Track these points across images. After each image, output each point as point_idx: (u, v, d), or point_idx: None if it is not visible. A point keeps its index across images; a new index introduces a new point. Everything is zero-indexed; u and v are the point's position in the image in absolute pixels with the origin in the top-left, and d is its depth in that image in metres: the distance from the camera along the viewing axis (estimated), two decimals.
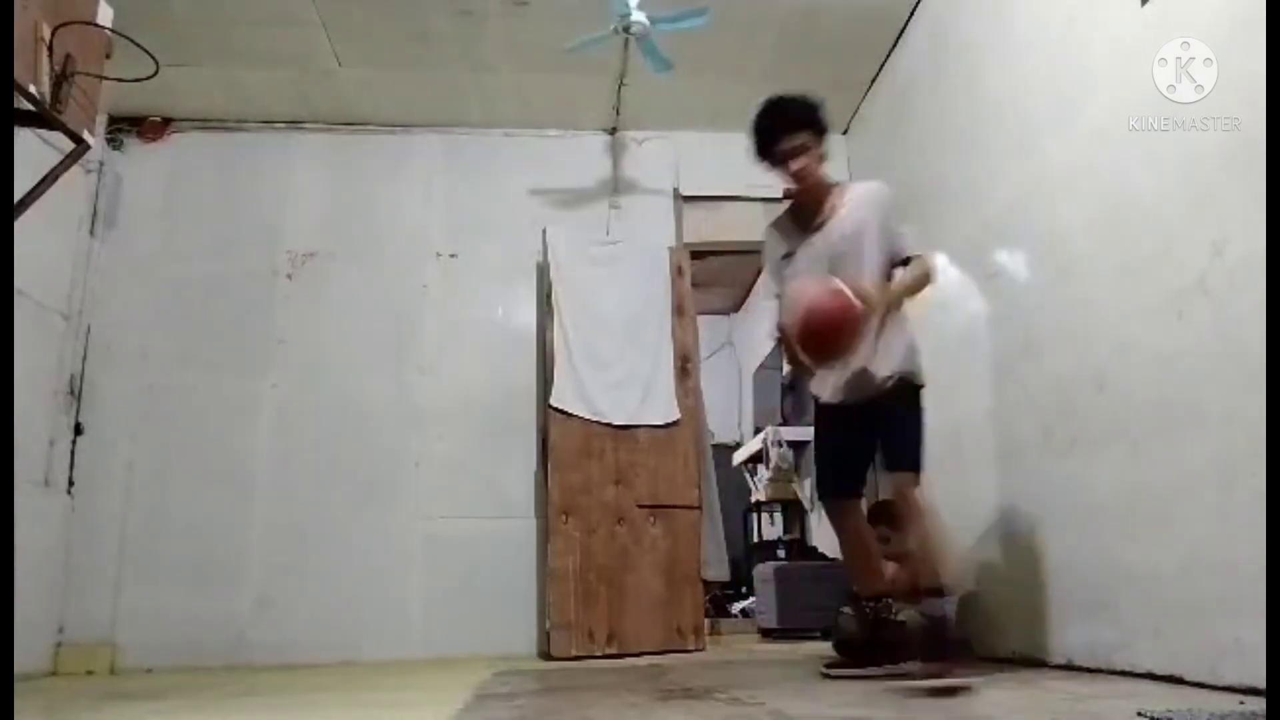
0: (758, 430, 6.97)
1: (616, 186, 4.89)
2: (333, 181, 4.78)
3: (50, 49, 1.95)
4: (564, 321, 4.37)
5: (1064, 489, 2.73)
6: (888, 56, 4.27)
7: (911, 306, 2.76)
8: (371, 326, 4.56)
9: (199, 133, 4.75)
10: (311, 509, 4.27)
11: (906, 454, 2.62)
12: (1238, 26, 2.04)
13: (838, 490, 2.89)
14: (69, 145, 2.13)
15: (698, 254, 4.89)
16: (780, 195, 4.80)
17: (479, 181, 4.81)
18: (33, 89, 1.90)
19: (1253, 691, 1.87)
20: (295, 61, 4.33)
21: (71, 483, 4.16)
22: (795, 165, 2.74)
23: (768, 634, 4.98)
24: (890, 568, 3.71)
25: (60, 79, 1.99)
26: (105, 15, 2.18)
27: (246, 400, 4.39)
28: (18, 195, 2.02)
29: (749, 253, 6.24)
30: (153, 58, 2.17)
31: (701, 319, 5.29)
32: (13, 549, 2.31)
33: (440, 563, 4.27)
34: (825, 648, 3.77)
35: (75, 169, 2.33)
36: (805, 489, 6.39)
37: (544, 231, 4.58)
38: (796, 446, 6.39)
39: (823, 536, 6.02)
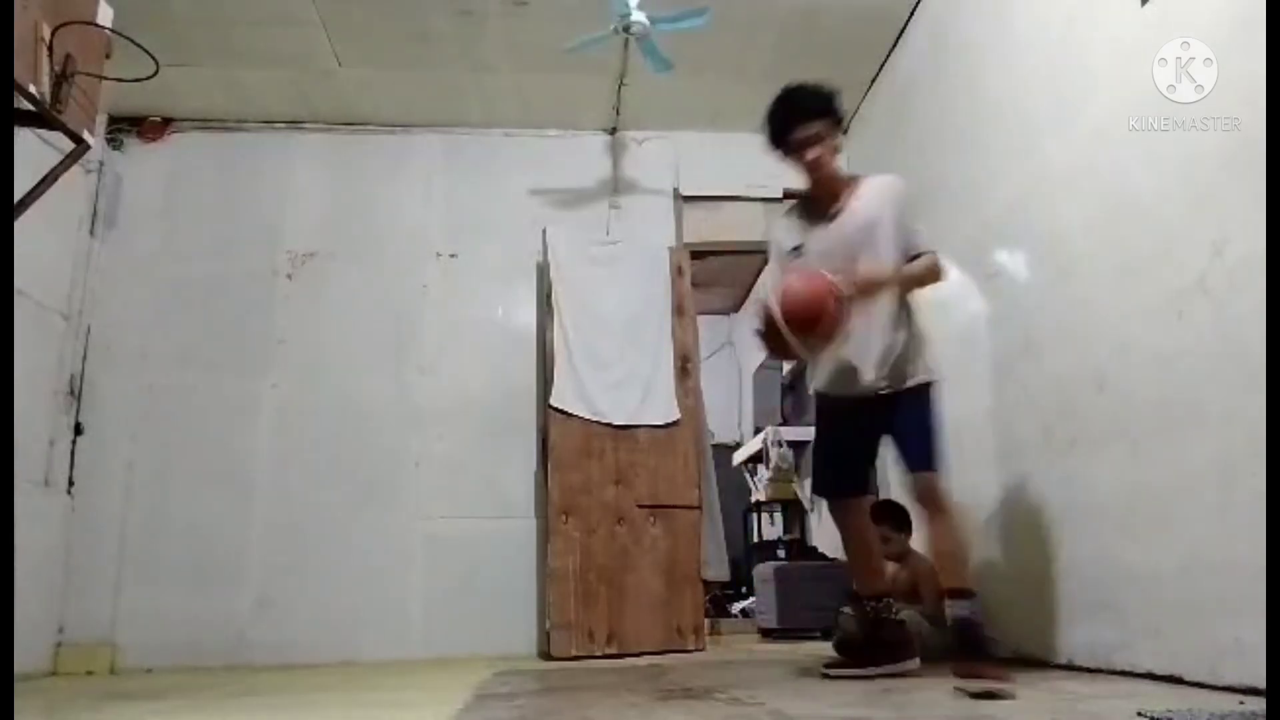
0: (758, 430, 6.97)
1: (616, 186, 4.89)
2: (333, 181, 4.78)
3: (50, 49, 1.95)
4: (564, 321, 4.37)
5: (1064, 489, 2.73)
6: (888, 56, 4.27)
7: (916, 302, 2.71)
8: (371, 326, 4.56)
9: (199, 133, 4.75)
10: (311, 509, 4.27)
11: (921, 454, 2.55)
12: (1238, 26, 2.04)
13: (838, 489, 2.83)
14: (69, 145, 2.13)
15: (698, 254, 4.89)
16: (780, 196, 4.85)
17: (479, 181, 4.81)
18: (33, 89, 1.90)
19: (1253, 691, 1.87)
20: (295, 61, 4.33)
21: (71, 483, 4.16)
22: (809, 155, 2.68)
23: (768, 634, 4.98)
24: (891, 568, 3.71)
25: (60, 79, 1.99)
26: (105, 15, 2.18)
27: (246, 400, 4.39)
28: (18, 195, 2.02)
29: (749, 253, 6.26)
30: (153, 58, 2.17)
31: (701, 319, 5.29)
32: (13, 549, 2.31)
33: (440, 563, 4.27)
34: (825, 648, 3.77)
35: (75, 169, 2.33)
36: (805, 489, 6.39)
37: (544, 231, 4.58)
38: (796, 446, 6.39)
39: (823, 536, 6.03)
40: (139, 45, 2.16)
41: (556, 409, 4.24)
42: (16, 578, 2.59)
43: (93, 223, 4.43)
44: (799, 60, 4.26)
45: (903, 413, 2.60)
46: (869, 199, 2.66)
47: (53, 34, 1.95)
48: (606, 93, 4.66)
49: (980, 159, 3.35)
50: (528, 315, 4.64)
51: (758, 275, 7.68)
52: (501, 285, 4.71)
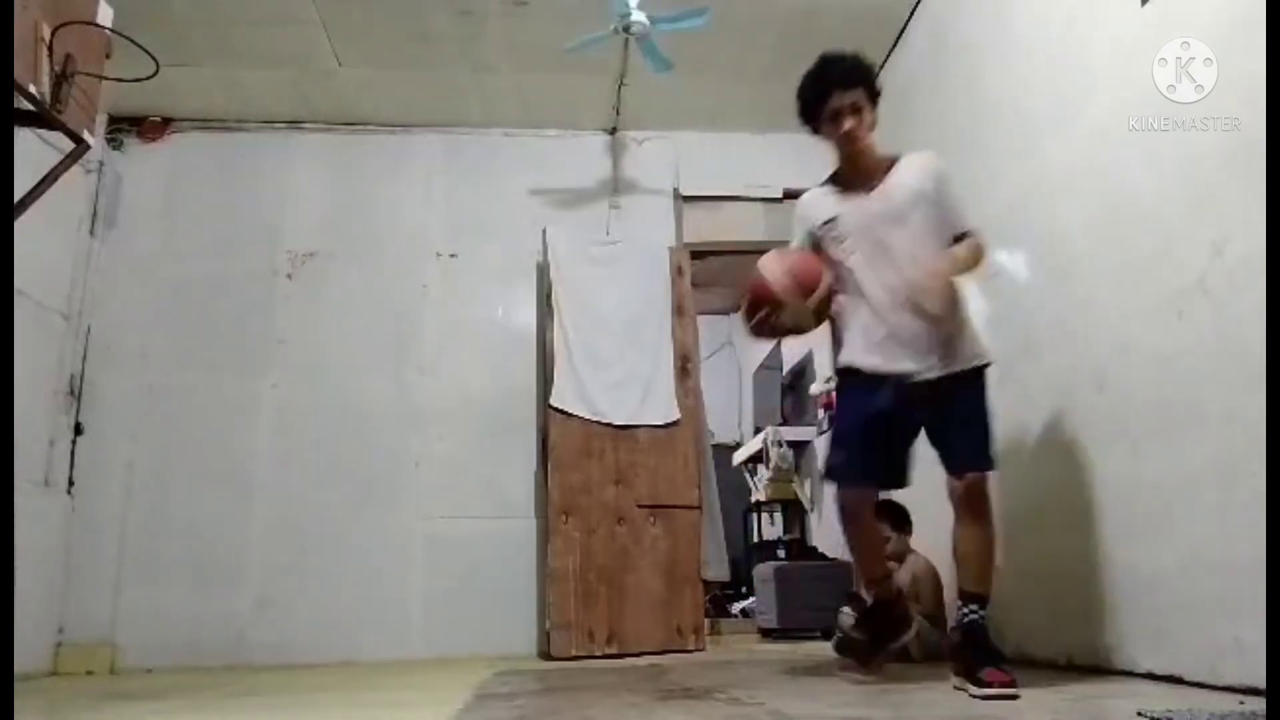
0: (758, 430, 6.98)
1: (616, 186, 4.89)
2: (333, 181, 4.78)
3: (50, 49, 1.95)
4: (564, 321, 4.37)
5: (1064, 489, 2.73)
6: (888, 56, 4.27)
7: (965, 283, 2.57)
8: (371, 326, 4.56)
9: (199, 133, 4.75)
10: (311, 509, 4.27)
11: (974, 451, 2.37)
12: (1238, 26, 2.04)
13: (866, 474, 2.52)
14: (69, 145, 2.13)
15: (698, 254, 4.89)
16: (780, 196, 4.85)
17: (479, 181, 4.81)
18: (33, 89, 1.90)
19: (1253, 691, 1.87)
20: (295, 61, 4.33)
21: (71, 483, 4.16)
22: (846, 125, 2.50)
23: (768, 634, 4.99)
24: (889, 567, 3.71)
25: (60, 79, 1.99)
26: (105, 15, 2.18)
27: (246, 400, 4.39)
28: (18, 195, 2.02)
29: (749, 253, 6.26)
30: (153, 58, 2.17)
31: (701, 319, 5.28)
32: (13, 549, 2.31)
33: (440, 563, 4.27)
34: (825, 648, 3.78)
35: (75, 169, 2.33)
36: (805, 489, 6.40)
37: (544, 231, 4.58)
38: (796, 446, 6.41)
39: (823, 536, 6.03)
40: (139, 45, 2.16)
41: (556, 409, 4.24)
42: (16, 578, 2.59)
43: (93, 223, 4.43)
44: (799, 60, 4.21)
45: (954, 401, 2.38)
46: (907, 175, 2.52)
47: (53, 34, 1.95)
48: (606, 93, 4.66)
49: (980, 159, 3.35)
50: (528, 315, 4.64)
51: None
52: (501, 285, 4.71)
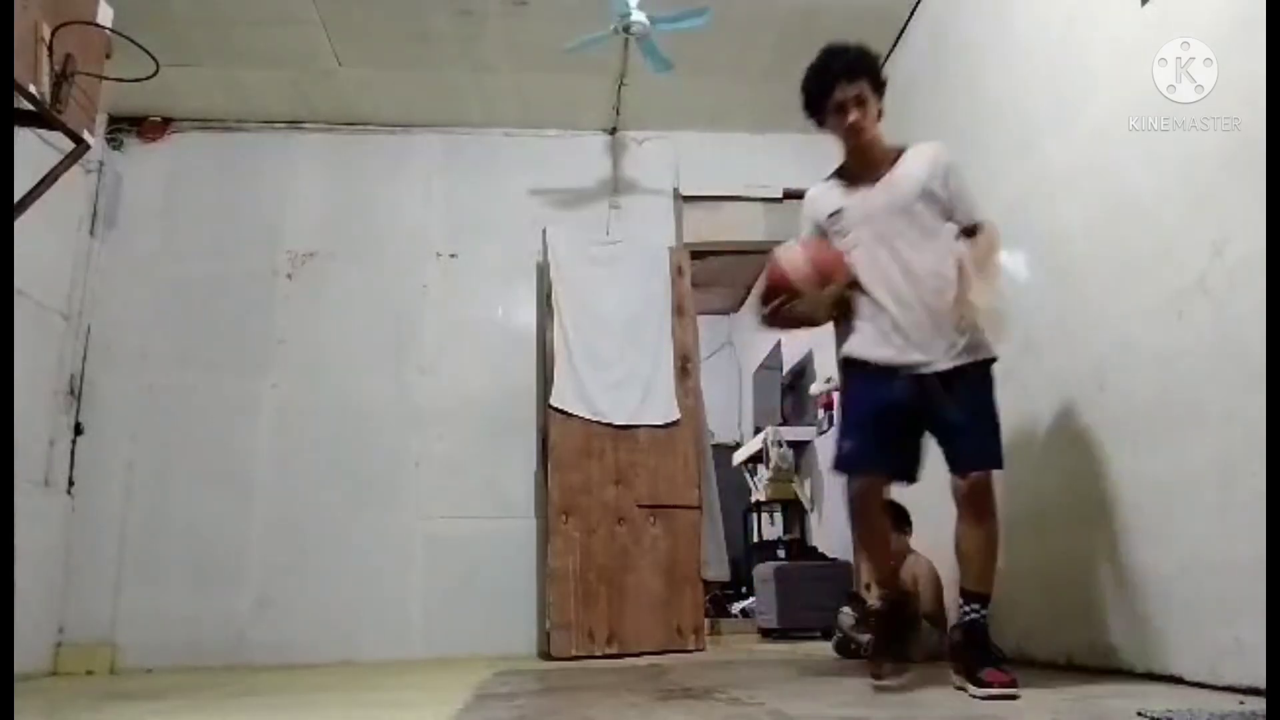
0: (758, 430, 6.98)
1: (616, 186, 4.89)
2: (333, 181, 4.78)
3: (50, 49, 1.95)
4: (564, 321, 4.37)
5: (1064, 489, 2.73)
6: (888, 56, 4.26)
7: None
8: (371, 326, 4.56)
9: (199, 133, 4.75)
10: (311, 509, 4.27)
11: (981, 448, 2.31)
12: (1238, 26, 2.04)
13: (876, 462, 2.42)
14: (69, 145, 2.13)
15: (698, 254, 4.90)
16: (780, 196, 4.86)
17: (479, 181, 4.81)
18: (33, 89, 1.90)
19: (1253, 691, 1.87)
20: (295, 61, 4.33)
21: (71, 483, 4.16)
22: (851, 117, 2.44)
23: (768, 634, 4.99)
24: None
25: (60, 79, 1.99)
26: (105, 15, 2.18)
27: (246, 400, 4.39)
28: (18, 195, 2.02)
29: (749, 253, 6.27)
30: (153, 58, 2.17)
31: (701, 319, 5.29)
32: (13, 549, 2.31)
33: (440, 563, 4.27)
34: (825, 647, 3.78)
35: (75, 169, 2.33)
36: (805, 489, 6.40)
37: (544, 231, 4.58)
38: (796, 446, 6.41)
39: (823, 536, 6.04)
40: (139, 45, 2.16)
41: (556, 409, 4.24)
42: (16, 578, 2.60)
43: (93, 223, 4.43)
44: (799, 60, 4.23)
45: (960, 397, 2.31)
46: (913, 166, 2.46)
47: (53, 34, 1.95)
48: (606, 93, 4.66)
49: (980, 159, 3.34)
50: (528, 315, 4.64)
51: (758, 275, 7.67)
52: (501, 285, 4.72)
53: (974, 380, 2.34)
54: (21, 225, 2.01)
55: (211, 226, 4.63)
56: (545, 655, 4.02)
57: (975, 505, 2.32)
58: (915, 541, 3.44)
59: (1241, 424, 1.96)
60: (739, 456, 7.11)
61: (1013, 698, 2.03)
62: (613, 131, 4.97)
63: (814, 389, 6.15)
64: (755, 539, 6.77)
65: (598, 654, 3.94)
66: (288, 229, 4.66)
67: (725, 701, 2.17)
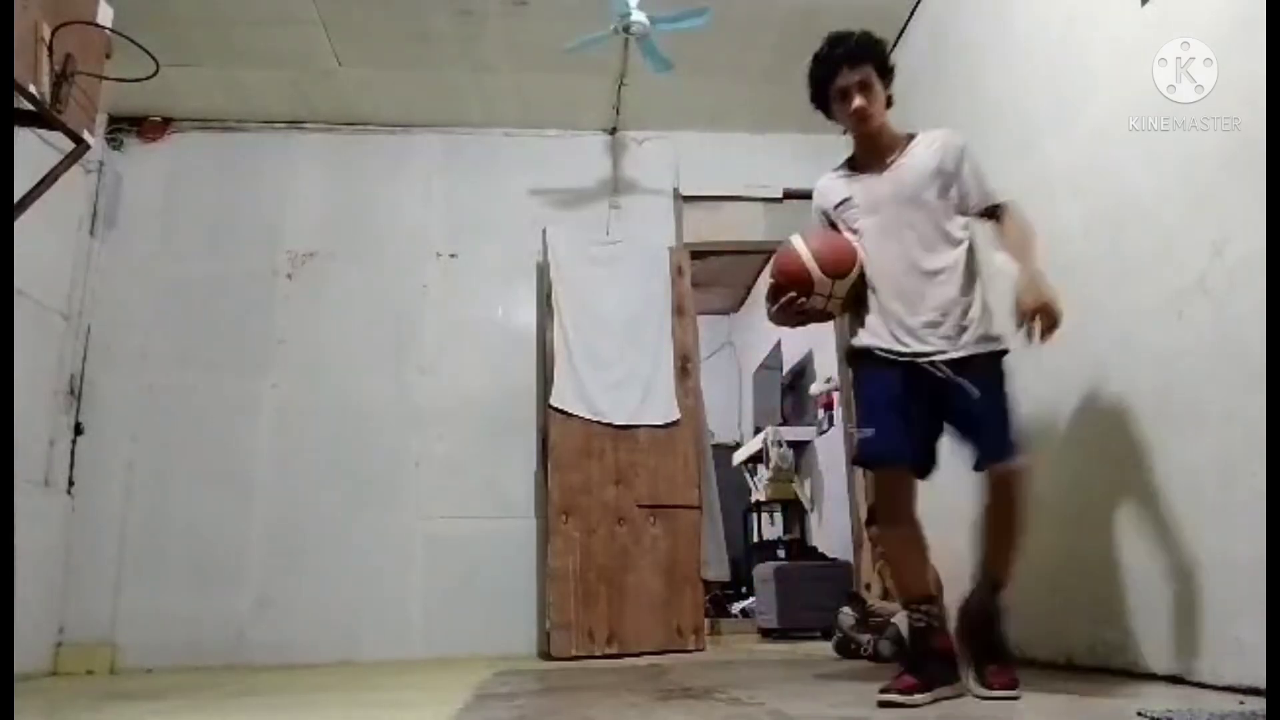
0: (758, 430, 6.99)
1: (616, 186, 4.89)
2: (333, 181, 4.78)
3: (50, 49, 1.95)
4: (564, 321, 4.37)
5: (1064, 489, 2.73)
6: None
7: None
8: (371, 326, 4.56)
9: (199, 133, 4.75)
10: (311, 509, 4.27)
11: (1005, 436, 2.19)
12: (1238, 26, 2.04)
13: (903, 451, 2.26)
14: (69, 145, 2.13)
15: (698, 254, 4.90)
16: (780, 196, 4.86)
17: (479, 181, 4.81)
18: (33, 89, 1.90)
19: (1253, 691, 1.87)
20: (295, 61, 4.33)
21: (71, 483, 4.16)
22: (856, 103, 2.36)
23: (768, 634, 4.99)
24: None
25: (60, 79, 1.99)
26: (105, 15, 2.18)
27: (246, 400, 4.39)
28: (18, 195, 2.02)
29: (749, 253, 6.28)
30: (153, 58, 2.17)
31: (701, 319, 5.29)
32: (13, 549, 2.31)
33: (440, 563, 4.27)
34: (825, 647, 3.78)
35: (75, 169, 2.33)
36: (805, 489, 6.40)
37: (544, 231, 4.58)
38: (796, 446, 6.41)
39: (823, 536, 6.04)
40: (139, 45, 2.16)
41: (556, 409, 4.24)
42: (16, 578, 2.60)
43: (93, 223, 4.43)
44: (799, 60, 4.22)
45: (977, 383, 2.20)
46: (923, 153, 2.38)
47: (53, 34, 1.95)
48: (606, 93, 4.66)
49: (980, 159, 3.34)
50: (528, 315, 4.64)
51: (758, 275, 7.69)
52: (501, 285, 4.72)
53: (986, 369, 2.23)
54: (21, 225, 2.01)
55: (211, 226, 4.62)
56: (545, 655, 4.02)
57: (1010, 493, 2.18)
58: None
59: (1241, 424, 1.97)
60: (739, 456, 7.11)
61: (1013, 698, 2.02)
62: (613, 131, 4.97)
63: (814, 389, 6.15)
64: (755, 539, 6.77)
65: (598, 654, 3.94)
66: (288, 229, 4.66)
67: (725, 701, 2.17)
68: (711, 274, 7.23)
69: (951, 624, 2.29)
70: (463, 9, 3.98)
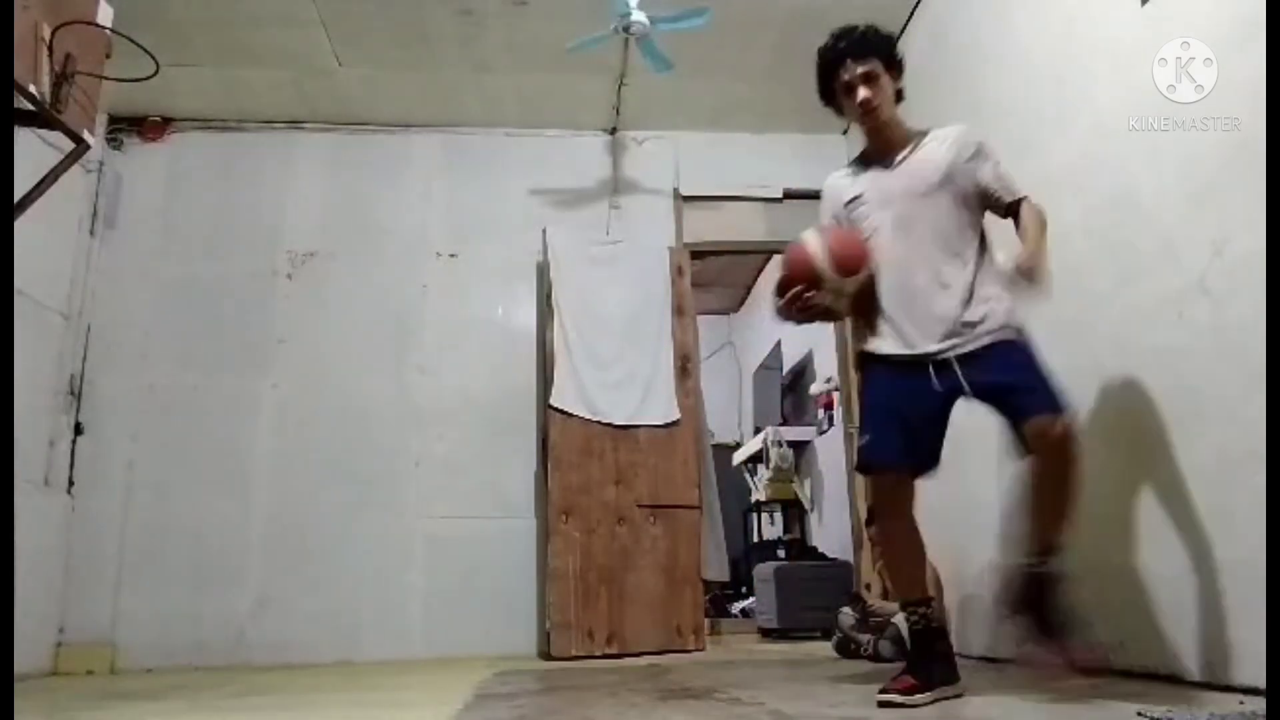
0: (758, 430, 6.99)
1: (616, 186, 4.89)
2: (333, 181, 4.78)
3: (50, 49, 1.95)
4: (564, 321, 4.37)
5: None
6: None
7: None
8: (371, 326, 4.56)
9: (199, 133, 4.75)
10: (311, 509, 4.27)
11: (1047, 393, 2.09)
12: (1238, 26, 2.04)
13: (906, 455, 2.24)
14: (69, 145, 2.13)
15: (698, 254, 4.90)
16: (780, 196, 4.86)
17: (479, 181, 4.81)
18: (33, 89, 1.90)
19: (1253, 691, 1.87)
20: (295, 61, 4.33)
21: (71, 483, 4.16)
22: (862, 95, 2.31)
23: (768, 634, 4.99)
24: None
25: (60, 79, 1.99)
26: (105, 15, 2.18)
27: (246, 400, 4.39)
28: (18, 195, 2.02)
29: (749, 253, 6.29)
30: (153, 58, 2.17)
31: (701, 319, 5.29)
32: (13, 549, 2.31)
33: (440, 563, 4.27)
34: (825, 648, 3.78)
35: (75, 169, 2.33)
36: (805, 489, 6.40)
37: (544, 231, 4.58)
38: (796, 446, 6.41)
39: (823, 536, 6.03)
40: (139, 45, 2.16)
41: (556, 409, 4.24)
42: (16, 578, 2.59)
43: (93, 223, 4.43)
44: (799, 60, 4.22)
45: (995, 364, 2.16)
46: (936, 149, 2.33)
47: (53, 34, 1.95)
48: (606, 93, 4.66)
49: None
50: (528, 315, 4.64)
51: (758, 275, 7.69)
52: (501, 285, 4.72)
53: (1006, 349, 2.17)
54: (21, 225, 2.01)
55: (211, 226, 4.62)
56: (545, 655, 4.02)
57: (1062, 449, 2.05)
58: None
59: (1241, 424, 1.96)
60: (739, 456, 7.11)
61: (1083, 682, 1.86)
62: (613, 131, 4.97)
63: (814, 389, 6.15)
64: (755, 539, 6.77)
65: (598, 654, 3.94)
66: (288, 229, 4.66)
67: (725, 701, 2.17)
68: (711, 274, 7.24)
69: (999, 603, 2.14)
70: (463, 9, 3.98)
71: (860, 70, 2.33)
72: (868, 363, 2.38)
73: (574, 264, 4.50)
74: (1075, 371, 2.68)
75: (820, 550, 5.71)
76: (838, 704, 2.10)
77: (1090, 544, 2.58)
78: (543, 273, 4.58)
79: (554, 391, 4.26)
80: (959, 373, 2.18)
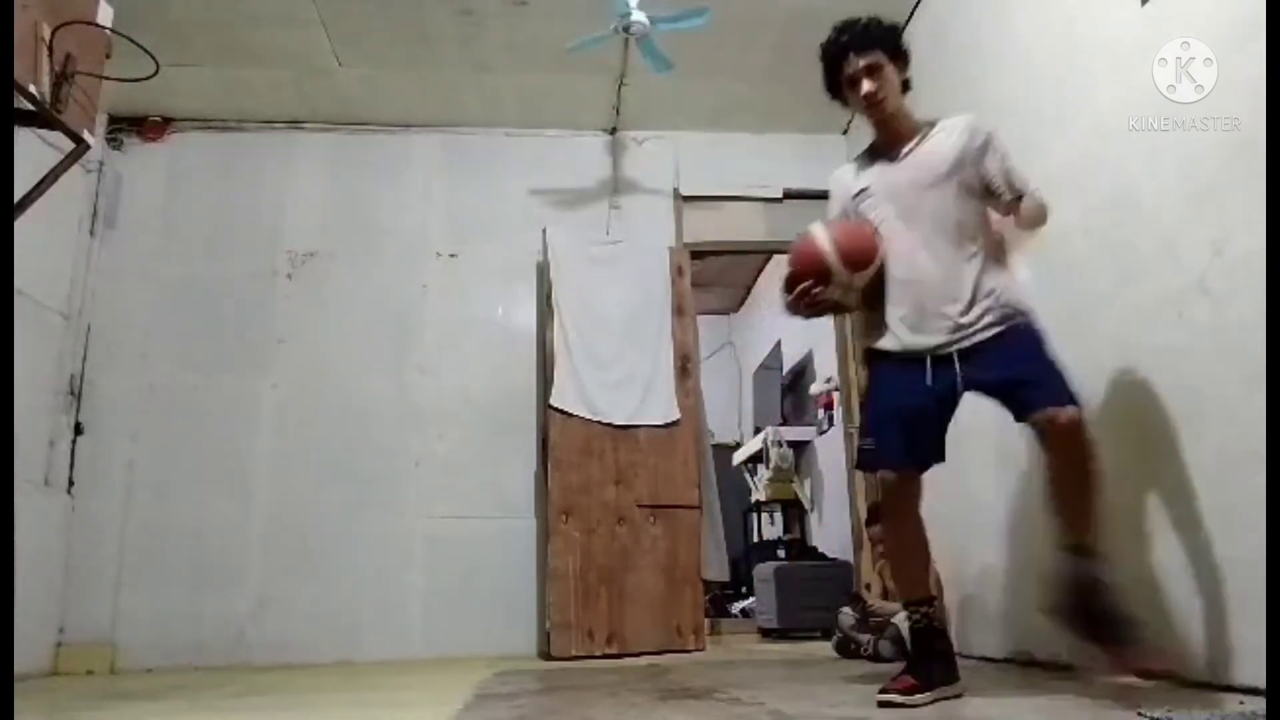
0: (758, 430, 6.99)
1: (616, 186, 4.89)
2: (333, 181, 4.78)
3: (50, 49, 1.95)
4: (564, 321, 4.38)
5: None
6: None
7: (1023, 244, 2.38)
8: (371, 326, 4.56)
9: (199, 133, 4.75)
10: (311, 509, 4.27)
11: (1055, 386, 2.06)
12: (1238, 26, 2.04)
13: (908, 454, 2.22)
14: (69, 145, 2.13)
15: (698, 254, 4.90)
16: (780, 196, 4.86)
17: (479, 181, 4.82)
18: (33, 89, 1.90)
19: (1253, 691, 1.87)
20: (295, 61, 4.33)
21: (71, 483, 4.16)
22: (866, 88, 2.29)
23: (768, 634, 4.99)
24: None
25: (60, 79, 1.99)
26: (105, 15, 2.18)
27: (246, 400, 4.39)
28: (18, 195, 2.02)
29: (749, 253, 6.29)
30: (153, 58, 2.17)
31: (701, 319, 5.29)
32: (13, 549, 2.31)
33: (440, 563, 4.27)
34: (825, 647, 3.78)
35: (75, 169, 2.33)
36: (805, 489, 6.40)
37: (544, 231, 4.58)
38: (796, 446, 6.41)
39: (823, 536, 6.04)
40: (139, 45, 2.16)
41: (556, 409, 4.24)
42: (16, 578, 2.59)
43: (93, 223, 4.43)
44: (799, 60, 4.22)
45: (1002, 356, 2.13)
46: (943, 141, 2.30)
47: (53, 34, 1.95)
48: (606, 93, 4.66)
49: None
50: (528, 315, 4.64)
51: (758, 275, 7.70)
52: (501, 285, 4.72)
53: (1014, 340, 2.15)
54: (21, 225, 2.01)
55: (211, 226, 4.62)
56: (545, 655, 4.02)
57: (1074, 443, 2.03)
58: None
59: (1241, 424, 1.96)
60: (739, 456, 7.11)
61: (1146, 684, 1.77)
62: (613, 131, 4.97)
63: (814, 389, 6.15)
64: (755, 539, 6.78)
65: (598, 654, 3.94)
66: (288, 229, 4.66)
67: (725, 701, 2.17)
68: (711, 274, 7.24)
69: (1050, 611, 2.06)
70: (463, 9, 3.98)
71: (863, 63, 2.30)
72: (873, 359, 2.35)
73: (574, 264, 4.50)
74: (1075, 371, 2.67)
75: (820, 550, 5.71)
76: (838, 704, 2.10)
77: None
78: (543, 273, 4.58)
79: (554, 391, 4.26)
80: (958, 369, 2.16)
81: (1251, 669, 1.89)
